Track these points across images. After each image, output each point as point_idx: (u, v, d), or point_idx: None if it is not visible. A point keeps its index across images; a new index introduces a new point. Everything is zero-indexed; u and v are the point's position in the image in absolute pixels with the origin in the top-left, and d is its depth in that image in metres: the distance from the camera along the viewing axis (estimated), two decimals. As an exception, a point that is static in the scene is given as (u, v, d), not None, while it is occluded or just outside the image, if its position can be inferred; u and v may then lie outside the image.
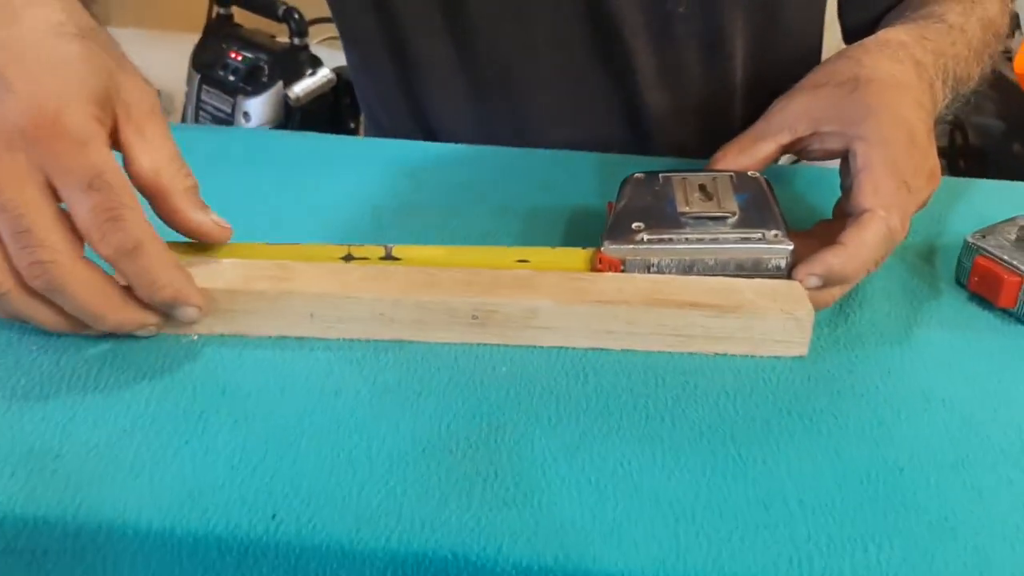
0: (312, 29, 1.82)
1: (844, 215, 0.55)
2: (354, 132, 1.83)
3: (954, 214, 0.68)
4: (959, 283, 0.60)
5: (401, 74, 0.85)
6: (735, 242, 0.54)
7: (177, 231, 0.51)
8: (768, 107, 0.62)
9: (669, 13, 0.78)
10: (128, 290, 0.49)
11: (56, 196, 0.46)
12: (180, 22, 1.94)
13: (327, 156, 0.74)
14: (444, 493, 0.44)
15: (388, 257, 0.56)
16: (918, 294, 0.59)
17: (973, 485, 0.46)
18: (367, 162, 0.73)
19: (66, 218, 0.46)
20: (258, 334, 0.53)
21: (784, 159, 0.65)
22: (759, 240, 0.54)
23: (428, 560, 0.42)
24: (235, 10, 1.88)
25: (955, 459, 0.47)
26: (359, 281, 0.53)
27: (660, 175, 0.59)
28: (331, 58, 1.83)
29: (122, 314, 0.49)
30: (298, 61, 1.80)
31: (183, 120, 1.86)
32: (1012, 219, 0.59)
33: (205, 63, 1.83)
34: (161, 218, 0.50)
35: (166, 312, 0.50)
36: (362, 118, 0.99)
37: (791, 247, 0.53)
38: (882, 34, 0.63)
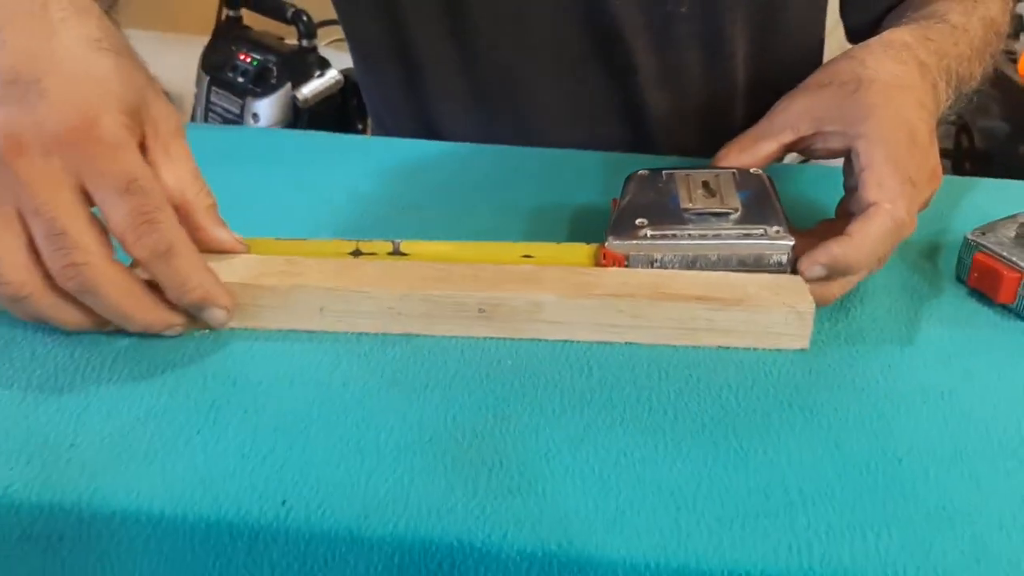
0: (320, 31, 1.84)
1: (847, 214, 0.56)
2: (362, 133, 1.84)
3: (955, 212, 0.69)
4: (959, 279, 0.61)
5: (405, 76, 0.86)
6: (737, 238, 0.54)
7: (198, 246, 0.52)
8: (770, 107, 0.63)
9: (670, 13, 0.79)
10: (156, 292, 0.50)
11: (88, 201, 0.47)
12: (190, 24, 1.96)
13: (335, 154, 0.75)
14: (450, 481, 0.45)
15: (396, 252, 0.57)
16: (918, 290, 0.60)
17: (971, 476, 0.46)
18: (374, 160, 0.74)
19: (97, 222, 0.48)
20: (269, 327, 0.54)
21: (792, 158, 0.65)
22: (761, 236, 0.54)
23: (434, 546, 0.43)
24: (244, 12, 1.90)
25: (953, 451, 0.48)
26: (368, 276, 0.54)
27: (663, 172, 0.60)
28: (339, 60, 1.84)
29: (151, 315, 0.50)
30: (306, 63, 1.81)
31: (192, 121, 1.87)
32: (1012, 216, 0.60)
33: (214, 65, 1.85)
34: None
35: (194, 314, 0.51)
36: (369, 119, 1.00)
37: (792, 243, 0.54)
38: (886, 35, 0.64)
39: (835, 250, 0.53)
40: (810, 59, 0.90)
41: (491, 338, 0.54)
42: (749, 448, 0.48)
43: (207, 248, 0.53)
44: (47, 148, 0.46)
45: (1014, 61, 1.63)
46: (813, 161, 0.72)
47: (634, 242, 0.55)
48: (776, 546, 0.43)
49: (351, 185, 0.70)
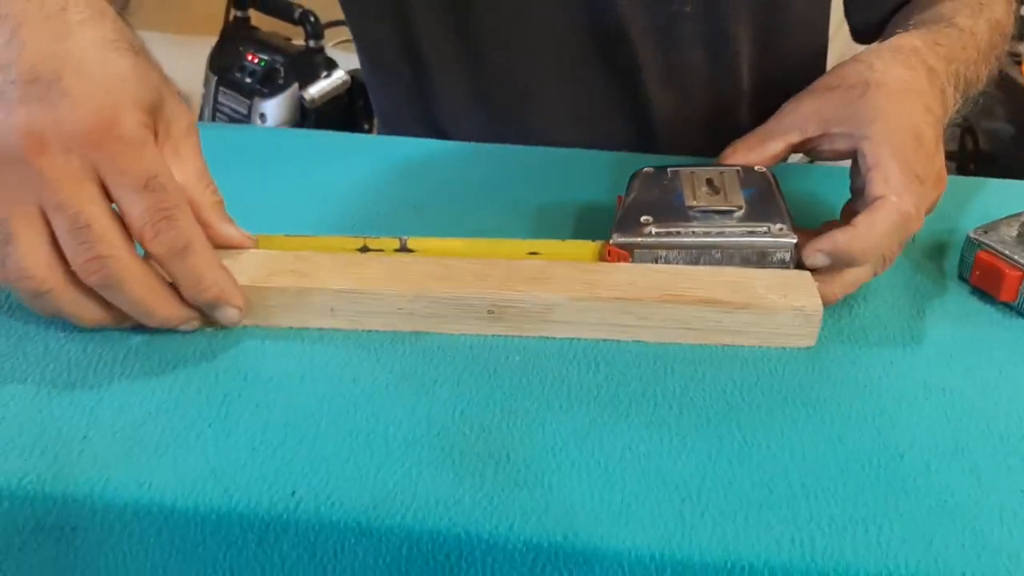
0: (328, 32, 1.84)
1: (852, 216, 0.56)
2: (368, 133, 1.84)
3: (957, 211, 0.69)
4: (961, 278, 0.61)
5: (412, 76, 0.87)
6: (741, 235, 0.55)
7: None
8: (775, 107, 0.64)
9: (675, 13, 0.79)
10: (173, 288, 0.51)
11: (108, 198, 0.48)
12: (197, 25, 1.97)
13: (342, 153, 0.76)
14: (458, 474, 0.46)
15: (403, 249, 0.58)
16: (921, 288, 0.61)
17: (972, 470, 0.47)
18: (380, 159, 0.75)
19: (118, 218, 0.48)
20: (280, 325, 0.55)
21: (797, 158, 0.66)
22: (764, 234, 0.55)
23: (442, 538, 0.43)
24: (252, 13, 1.90)
25: (955, 446, 0.48)
26: (378, 276, 0.54)
27: (668, 169, 0.60)
28: (346, 60, 1.85)
29: (171, 310, 0.51)
30: (313, 63, 1.82)
31: (199, 121, 1.88)
32: (1014, 215, 0.61)
33: (222, 65, 1.86)
34: None
35: (207, 312, 0.52)
36: (375, 119, 1.01)
37: (795, 240, 0.55)
38: (895, 40, 0.64)
39: (839, 238, 0.54)
40: (814, 60, 0.90)
41: (499, 335, 0.54)
42: (753, 442, 0.48)
43: (214, 244, 0.53)
44: (67, 146, 0.46)
45: (1019, 63, 1.63)
46: (819, 162, 0.72)
47: (639, 239, 0.56)
48: (779, 539, 0.43)
49: (358, 184, 0.71)
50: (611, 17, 0.79)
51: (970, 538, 0.44)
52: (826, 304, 0.56)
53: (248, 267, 0.54)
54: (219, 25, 1.93)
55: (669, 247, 0.55)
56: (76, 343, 0.53)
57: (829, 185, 0.70)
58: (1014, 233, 0.59)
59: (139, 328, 0.53)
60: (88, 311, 0.50)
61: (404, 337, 0.54)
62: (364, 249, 0.57)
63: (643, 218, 0.56)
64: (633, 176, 0.61)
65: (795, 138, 0.61)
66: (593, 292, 0.53)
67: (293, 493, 0.44)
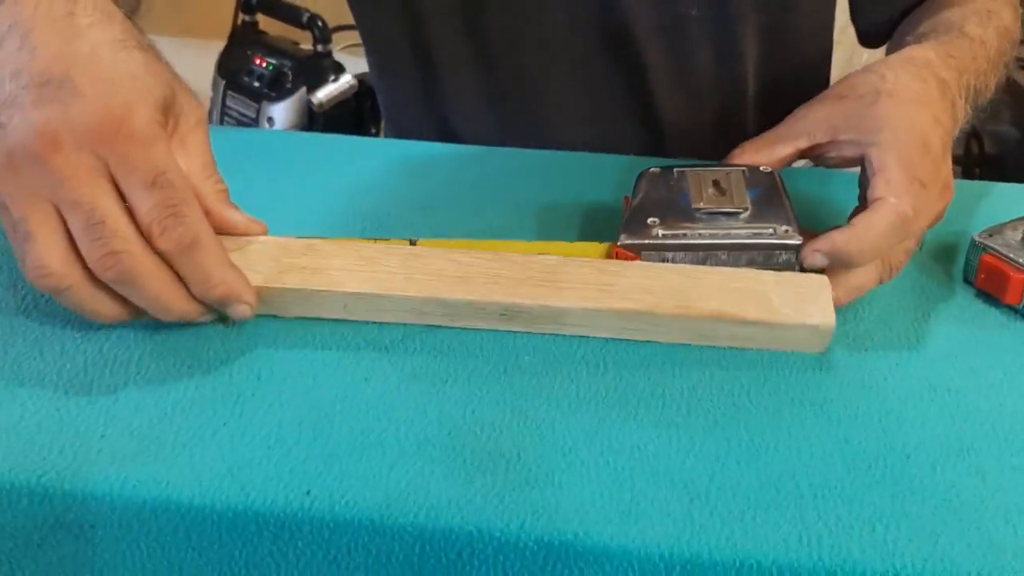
0: (335, 36, 1.85)
1: None
2: (375, 137, 1.85)
3: (963, 214, 0.69)
4: (967, 281, 0.62)
5: (421, 76, 0.87)
6: (747, 237, 0.56)
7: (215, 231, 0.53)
8: (781, 109, 0.64)
9: (681, 15, 0.80)
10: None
11: (121, 195, 0.49)
12: (206, 29, 1.98)
13: (350, 156, 0.76)
14: (470, 473, 0.46)
15: None
16: (926, 291, 0.61)
17: (977, 470, 0.48)
18: (389, 162, 0.75)
19: (131, 214, 0.49)
20: (293, 315, 0.55)
21: (802, 163, 0.67)
22: (770, 235, 0.56)
23: (454, 536, 0.44)
24: (260, 17, 1.91)
25: (960, 446, 0.49)
26: (390, 276, 0.54)
27: (675, 170, 0.61)
28: (354, 64, 1.85)
29: (186, 305, 0.51)
30: (321, 67, 1.83)
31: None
32: (1019, 219, 0.61)
33: (230, 69, 1.87)
34: None
35: (219, 308, 0.53)
36: (383, 123, 1.01)
37: (800, 242, 0.55)
38: (908, 51, 0.64)
39: (837, 238, 0.54)
40: (819, 62, 0.91)
41: (509, 335, 0.55)
42: (760, 443, 0.49)
43: (222, 231, 0.53)
44: (80, 144, 0.47)
45: (1024, 67, 1.64)
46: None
47: (646, 241, 0.56)
48: (787, 538, 0.44)
49: (367, 186, 0.71)
50: (619, 16, 0.80)
51: (976, 537, 0.44)
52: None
53: (259, 262, 0.54)
54: (227, 29, 1.94)
55: (676, 249, 0.56)
56: (92, 344, 0.54)
57: (839, 190, 0.70)
58: (1019, 237, 0.60)
59: (149, 325, 0.54)
60: (107, 306, 0.51)
61: (415, 337, 0.55)
62: (375, 252, 0.58)
63: (650, 219, 0.57)
64: (639, 176, 0.61)
65: (803, 143, 0.62)
66: (606, 302, 0.53)
67: (308, 492, 0.45)
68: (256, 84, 1.83)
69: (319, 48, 1.83)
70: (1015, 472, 0.48)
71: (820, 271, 0.56)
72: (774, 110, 0.66)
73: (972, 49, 0.67)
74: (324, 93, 1.80)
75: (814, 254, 0.55)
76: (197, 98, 0.55)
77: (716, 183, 0.59)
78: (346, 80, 1.83)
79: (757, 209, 0.57)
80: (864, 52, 0.95)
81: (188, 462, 0.47)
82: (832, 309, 0.54)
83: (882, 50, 0.87)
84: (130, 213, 0.49)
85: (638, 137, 0.87)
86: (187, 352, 0.54)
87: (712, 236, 0.56)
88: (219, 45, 1.92)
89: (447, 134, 0.89)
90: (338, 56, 1.88)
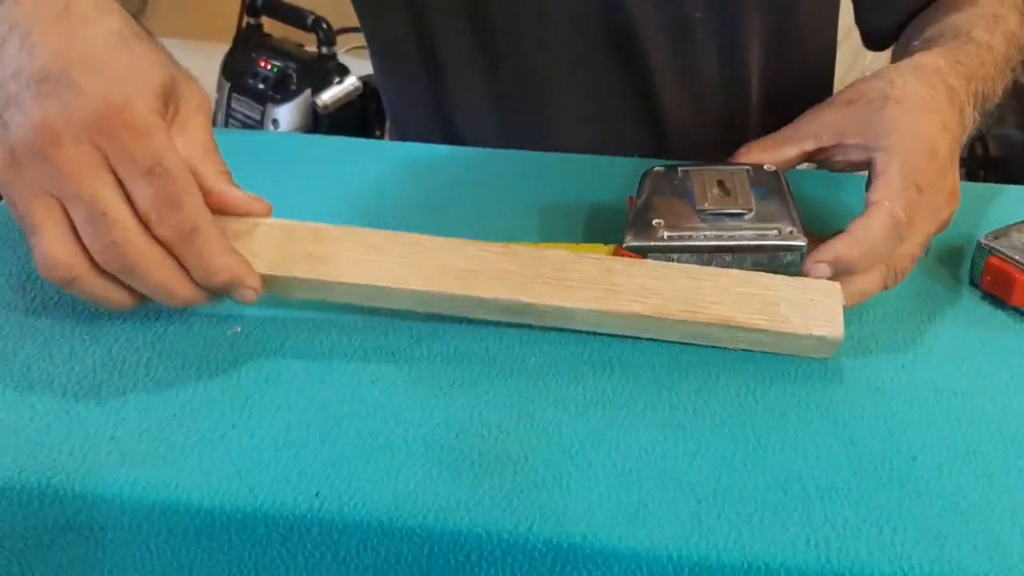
0: (340, 38, 1.86)
1: None
2: (380, 139, 1.86)
3: (969, 217, 0.69)
4: (973, 283, 0.62)
5: (426, 78, 0.88)
6: (751, 239, 0.56)
7: (217, 212, 0.52)
8: (785, 111, 0.65)
9: (685, 16, 0.80)
10: None
11: (122, 185, 0.49)
12: (211, 31, 1.98)
13: (355, 159, 0.76)
14: (477, 475, 0.47)
15: None
16: (932, 293, 0.61)
17: (983, 472, 0.48)
18: (393, 164, 0.75)
19: (132, 204, 0.49)
20: (298, 298, 0.55)
21: (805, 167, 0.67)
22: (775, 237, 0.56)
23: (463, 537, 0.44)
24: (265, 20, 1.92)
25: (966, 448, 0.49)
26: (398, 268, 0.54)
27: (679, 168, 0.61)
28: (358, 67, 1.86)
29: (190, 292, 0.51)
30: (326, 70, 1.83)
31: (212, 127, 1.89)
32: (1025, 221, 0.61)
33: (235, 71, 1.87)
34: None
35: (223, 294, 0.52)
36: (387, 125, 1.02)
37: (804, 243, 0.55)
38: (917, 58, 0.64)
39: (836, 246, 0.54)
40: (823, 65, 0.91)
41: (515, 336, 0.55)
42: (767, 445, 0.49)
43: (223, 210, 0.53)
44: (78, 136, 0.47)
45: (1029, 69, 1.63)
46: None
47: (651, 243, 0.56)
48: (794, 540, 0.44)
49: (371, 188, 0.71)
50: (623, 17, 0.80)
51: (983, 539, 0.44)
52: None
53: (264, 247, 0.54)
54: (232, 32, 1.94)
55: (681, 251, 0.56)
56: (101, 346, 0.54)
57: (849, 194, 0.70)
58: (1025, 239, 0.60)
59: (164, 327, 0.54)
60: (116, 295, 0.51)
61: (422, 339, 0.55)
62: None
63: (655, 221, 0.57)
64: (644, 175, 0.61)
65: (810, 146, 0.62)
66: (613, 303, 0.53)
67: (317, 494, 0.45)
68: (261, 86, 1.83)
69: (324, 50, 1.83)
70: (1022, 474, 0.48)
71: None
72: (778, 113, 0.66)
73: (980, 55, 0.67)
74: (329, 95, 1.81)
75: (817, 266, 0.55)
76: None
77: (720, 183, 0.59)
78: (350, 82, 1.83)
79: (761, 210, 0.57)
80: (868, 54, 0.95)
81: (197, 464, 0.47)
82: (841, 319, 0.53)
83: (885, 54, 0.88)
84: (131, 203, 0.49)
85: (642, 138, 0.87)
86: (195, 355, 0.54)
87: (717, 238, 0.56)
88: (224, 47, 1.93)
89: (451, 134, 0.90)
90: (342, 58, 1.88)
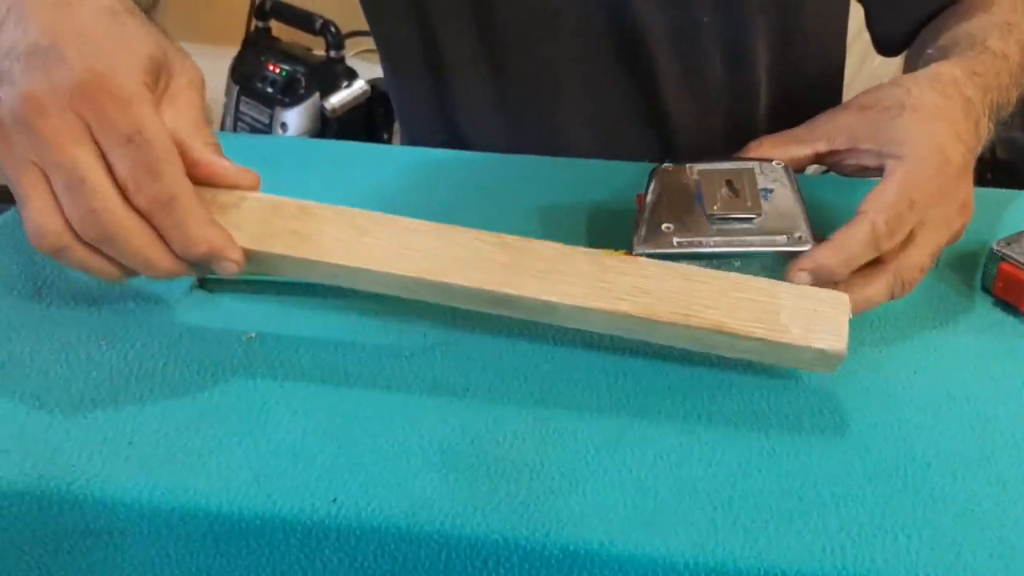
0: (348, 42, 1.86)
1: None
2: (387, 142, 1.86)
3: (981, 222, 0.69)
4: (985, 289, 0.62)
5: (433, 82, 0.88)
6: (760, 245, 0.56)
7: (205, 183, 0.52)
8: (793, 116, 0.65)
9: (692, 21, 0.80)
10: None
11: (104, 156, 0.49)
12: (219, 35, 1.98)
13: (362, 163, 0.77)
14: (494, 481, 0.47)
15: None
16: (945, 300, 0.61)
17: (997, 479, 0.48)
18: (400, 169, 0.75)
19: (113, 174, 0.49)
20: (282, 276, 0.54)
21: (812, 169, 0.67)
22: (784, 243, 0.56)
23: (480, 543, 0.45)
24: (273, 23, 1.92)
25: (980, 455, 0.49)
26: (382, 251, 0.52)
27: (687, 166, 0.61)
28: (366, 70, 1.86)
29: (170, 262, 0.50)
30: (334, 73, 1.83)
31: (221, 130, 1.90)
32: (1038, 227, 0.61)
33: (244, 75, 1.87)
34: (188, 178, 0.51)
35: (205, 266, 0.51)
36: (395, 128, 1.02)
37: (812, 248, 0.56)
38: (935, 67, 0.64)
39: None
40: (832, 70, 0.91)
41: (528, 343, 0.56)
42: (781, 451, 0.49)
43: (210, 181, 0.52)
44: (62, 106, 0.48)
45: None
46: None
47: (661, 250, 0.56)
48: (810, 547, 0.44)
49: (378, 193, 0.71)
50: (629, 21, 0.80)
51: (998, 547, 0.44)
52: None
53: (249, 221, 0.52)
54: (241, 35, 1.94)
55: (690, 258, 0.56)
56: (117, 351, 0.55)
57: (859, 199, 0.70)
58: (1037, 245, 0.60)
59: (179, 334, 0.54)
60: (104, 266, 0.50)
61: (435, 344, 0.56)
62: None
63: (664, 226, 0.57)
64: (652, 173, 0.61)
65: (822, 147, 0.62)
66: (600, 301, 0.51)
67: (335, 500, 0.45)
68: (269, 90, 1.83)
69: (332, 54, 1.83)
70: (1036, 481, 0.48)
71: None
72: (786, 117, 0.66)
73: (995, 65, 0.67)
74: (337, 99, 1.81)
75: (799, 273, 0.54)
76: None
77: (729, 183, 0.59)
78: (359, 86, 1.84)
79: (770, 213, 0.57)
80: (876, 58, 0.95)
81: (215, 469, 0.47)
82: (846, 333, 0.51)
83: (891, 59, 0.88)
84: (112, 173, 0.48)
85: (647, 141, 0.87)
86: (211, 360, 0.54)
87: (727, 244, 0.56)
88: (232, 51, 1.93)
89: (456, 136, 0.90)
90: (351, 62, 1.89)
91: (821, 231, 0.58)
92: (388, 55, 0.92)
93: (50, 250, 0.49)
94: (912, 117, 0.59)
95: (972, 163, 0.60)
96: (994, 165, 1.79)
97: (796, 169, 0.63)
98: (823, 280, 0.55)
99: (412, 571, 0.46)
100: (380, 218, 0.54)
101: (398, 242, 0.53)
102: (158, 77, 0.51)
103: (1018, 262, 0.59)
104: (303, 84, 1.81)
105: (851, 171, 0.62)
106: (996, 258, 0.61)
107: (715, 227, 0.57)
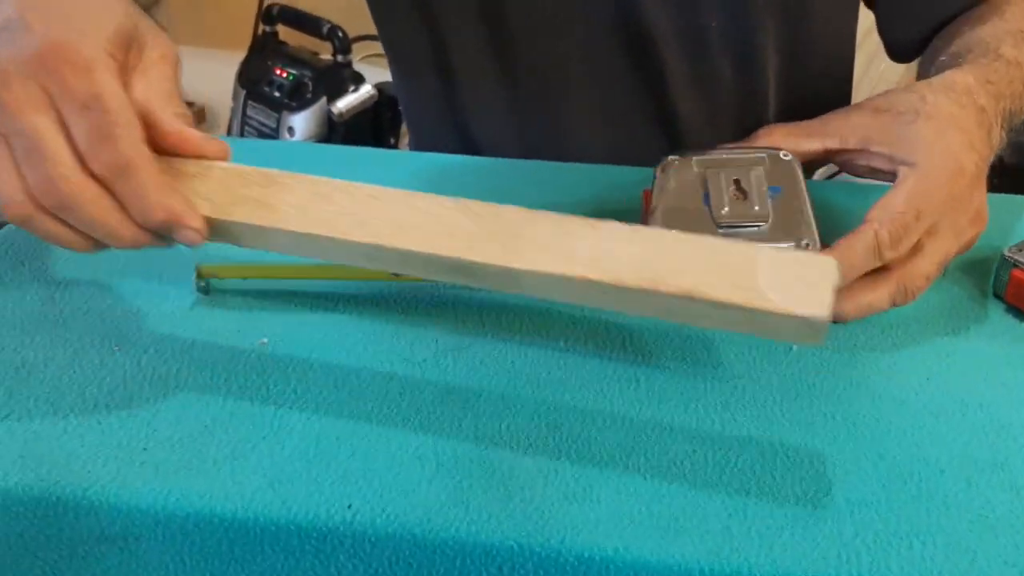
0: (355, 47, 1.86)
1: None
2: (394, 147, 1.86)
3: (993, 229, 0.69)
4: (996, 295, 0.62)
5: (441, 84, 0.88)
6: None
7: (173, 153, 0.52)
8: (802, 118, 0.65)
9: (701, 25, 0.81)
10: None
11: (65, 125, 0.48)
12: (227, 39, 1.99)
13: (370, 168, 0.77)
14: (508, 488, 0.47)
15: None
16: (957, 305, 0.61)
17: (1011, 485, 0.48)
18: (408, 174, 0.76)
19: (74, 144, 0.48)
20: (247, 247, 0.52)
21: (820, 172, 0.67)
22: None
23: (495, 550, 0.45)
24: (280, 28, 1.92)
25: (993, 461, 0.49)
26: (342, 218, 0.50)
27: (694, 159, 0.61)
28: (373, 74, 1.87)
29: (131, 231, 0.50)
30: (341, 77, 1.84)
31: (228, 134, 1.90)
32: (1050, 234, 0.61)
33: (251, 79, 1.88)
34: (157, 149, 0.51)
35: (166, 235, 0.50)
36: (402, 132, 1.02)
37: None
38: (949, 75, 0.64)
39: None
40: (841, 71, 0.91)
41: (539, 350, 0.56)
42: (795, 458, 0.49)
43: (181, 151, 0.52)
44: (24, 74, 0.48)
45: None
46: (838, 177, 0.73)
47: None
48: (825, 554, 0.44)
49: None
50: (638, 24, 0.80)
51: (1012, 553, 0.44)
52: (838, 322, 0.56)
53: (214, 191, 0.51)
54: (248, 40, 1.95)
55: None
56: (130, 357, 0.55)
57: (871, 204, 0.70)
58: (1050, 251, 0.60)
59: (192, 339, 0.54)
60: (69, 236, 0.50)
61: (447, 351, 0.56)
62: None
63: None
64: (659, 167, 0.61)
65: (833, 145, 0.62)
66: (564, 267, 0.47)
67: (349, 506, 0.46)
68: (276, 94, 1.84)
69: (339, 58, 1.84)
70: (1050, 488, 0.48)
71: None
72: (795, 118, 0.66)
73: (1009, 73, 0.67)
74: (344, 103, 1.81)
75: None
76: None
77: (737, 182, 0.59)
78: (366, 90, 1.84)
79: (778, 218, 0.57)
80: (882, 62, 0.95)
81: (229, 475, 0.47)
82: (830, 300, 0.45)
83: (897, 63, 0.88)
84: (72, 141, 0.48)
85: (657, 145, 0.87)
86: (223, 366, 0.54)
87: None
88: (240, 55, 1.93)
89: (465, 139, 0.90)
90: (358, 66, 1.89)
91: (830, 236, 0.58)
92: (396, 58, 0.92)
93: (17, 220, 0.49)
94: (927, 125, 0.59)
95: (985, 172, 0.60)
96: (1002, 170, 1.79)
97: (804, 164, 0.62)
98: None
99: (427, 577, 0.46)
100: (343, 185, 0.52)
101: (360, 210, 0.51)
102: (128, 49, 0.51)
103: (1030, 268, 0.59)
104: (310, 88, 1.82)
105: (862, 172, 0.62)
106: (1008, 264, 0.61)
107: (722, 231, 0.57)
